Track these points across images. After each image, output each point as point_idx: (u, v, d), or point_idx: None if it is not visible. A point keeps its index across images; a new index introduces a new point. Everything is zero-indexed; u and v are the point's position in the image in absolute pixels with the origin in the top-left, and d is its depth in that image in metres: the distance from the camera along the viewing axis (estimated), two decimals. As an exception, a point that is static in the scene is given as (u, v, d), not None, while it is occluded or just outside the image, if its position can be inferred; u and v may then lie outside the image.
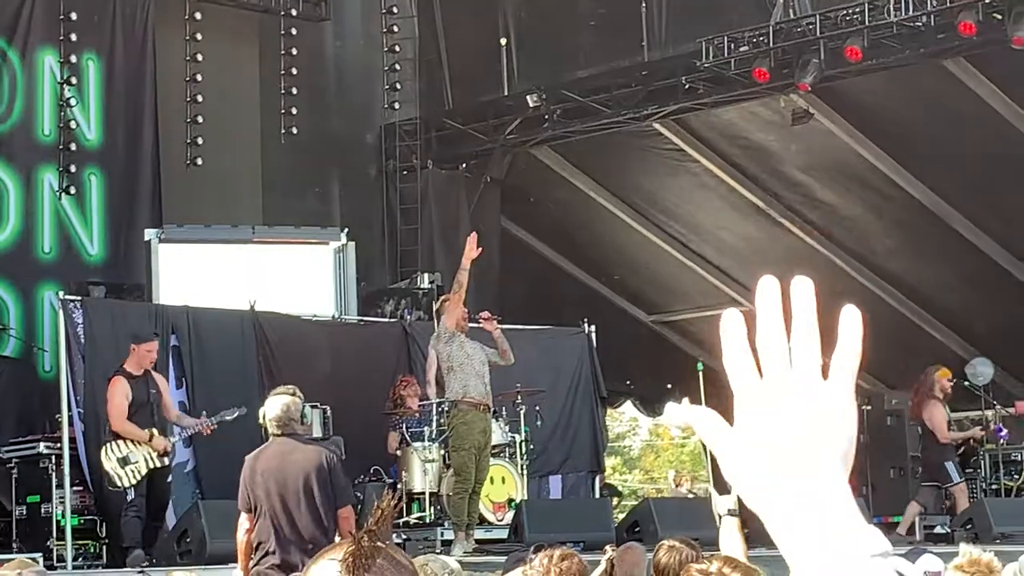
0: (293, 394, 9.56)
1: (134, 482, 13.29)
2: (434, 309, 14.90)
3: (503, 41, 21.09)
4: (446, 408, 14.38)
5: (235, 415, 13.93)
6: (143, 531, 13.49)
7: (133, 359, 13.48)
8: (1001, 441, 19.56)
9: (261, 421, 9.58)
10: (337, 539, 9.55)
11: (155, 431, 13.39)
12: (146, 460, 13.30)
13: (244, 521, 9.38)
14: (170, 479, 13.74)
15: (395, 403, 15.66)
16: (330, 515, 9.29)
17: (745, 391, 1.64)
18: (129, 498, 13.49)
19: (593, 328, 18.35)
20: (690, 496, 24.59)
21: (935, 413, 17.61)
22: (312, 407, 14.77)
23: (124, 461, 13.22)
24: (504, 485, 15.07)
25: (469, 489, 13.98)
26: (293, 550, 9.20)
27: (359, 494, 14.99)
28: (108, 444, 13.35)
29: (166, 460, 13.53)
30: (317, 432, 14.63)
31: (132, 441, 13.28)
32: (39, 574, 7.26)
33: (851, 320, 1.72)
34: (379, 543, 2.42)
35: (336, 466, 9.39)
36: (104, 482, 13.45)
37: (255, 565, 9.36)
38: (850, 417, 1.65)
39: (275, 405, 9.44)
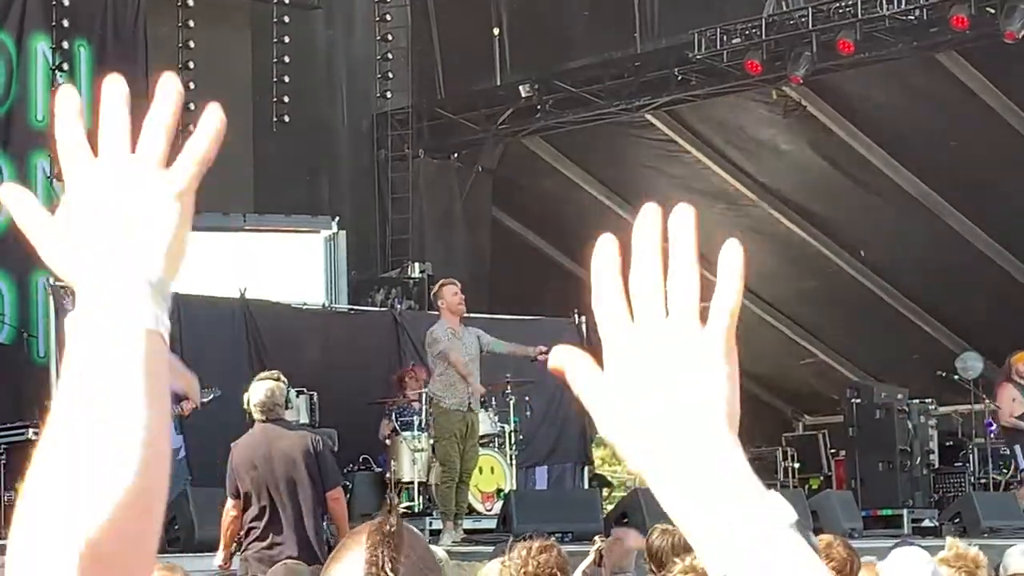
0: (277, 379, 9.55)
1: None
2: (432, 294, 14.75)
3: (495, 31, 21.08)
4: (427, 399, 14.32)
5: (210, 397, 13.91)
6: None
7: None
8: (991, 435, 19.60)
9: (245, 407, 9.56)
10: (325, 522, 9.56)
11: None
12: None
13: (230, 508, 9.39)
14: None
15: (399, 385, 15.61)
16: (319, 498, 9.30)
17: (614, 337, 1.44)
18: None
19: (584, 319, 18.36)
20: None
21: (1001, 394, 17.84)
22: (299, 393, 14.78)
23: None
24: (493, 475, 15.07)
25: (455, 478, 13.95)
26: (283, 534, 9.21)
27: (348, 483, 15.01)
28: None
29: None
30: (304, 418, 14.62)
31: None
32: None
33: (732, 256, 1.46)
34: (400, 537, 2.41)
35: (323, 450, 9.39)
36: None
37: (245, 550, 9.36)
38: (728, 368, 1.46)
39: (259, 391, 9.43)
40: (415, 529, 2.50)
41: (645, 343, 1.42)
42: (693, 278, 1.44)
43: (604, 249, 1.56)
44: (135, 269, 1.46)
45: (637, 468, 1.42)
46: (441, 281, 14.28)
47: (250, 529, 9.28)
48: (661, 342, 1.42)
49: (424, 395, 14.68)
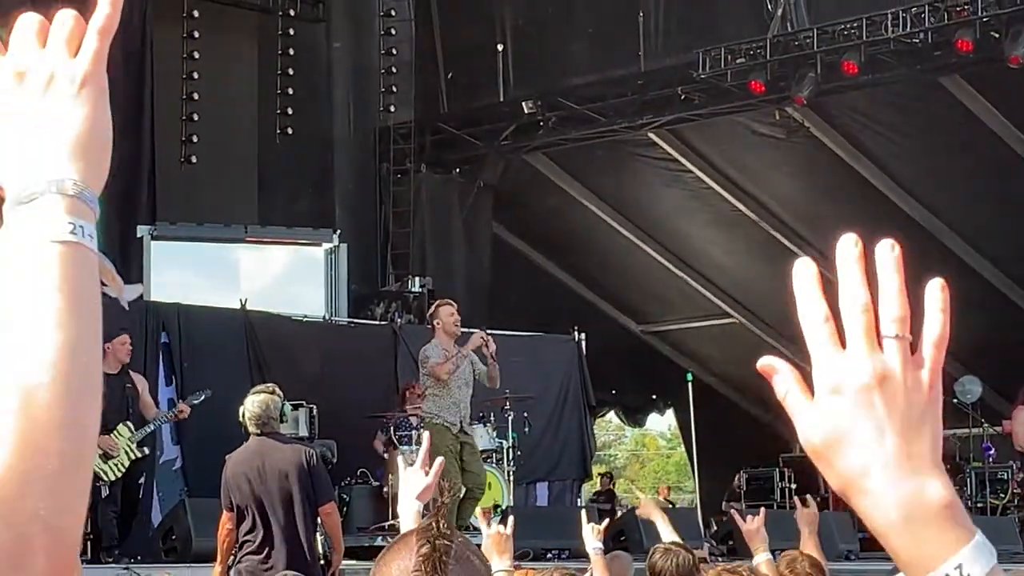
0: (272, 392, 9.54)
1: (119, 475, 13.26)
2: (427, 313, 14.72)
3: (499, 47, 21.10)
4: (419, 418, 14.26)
5: (201, 399, 13.95)
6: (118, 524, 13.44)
7: (109, 356, 13.39)
8: (988, 459, 19.60)
9: (241, 419, 9.56)
10: (320, 535, 9.55)
11: (126, 426, 13.24)
12: (126, 452, 13.28)
13: (226, 520, 9.40)
14: (142, 480, 13.61)
15: (402, 399, 15.60)
16: (312, 512, 9.30)
17: (825, 362, 1.46)
18: (104, 495, 13.42)
19: (583, 336, 18.36)
20: (670, 506, 24.59)
21: (1017, 418, 17.75)
22: (298, 406, 14.77)
23: (106, 456, 13.20)
24: (490, 491, 15.04)
25: (458, 494, 13.86)
26: (276, 548, 9.21)
27: (345, 496, 15.01)
28: None
29: (146, 450, 13.42)
30: (303, 431, 14.62)
31: (112, 434, 13.24)
32: None
33: (937, 293, 1.53)
34: (450, 542, 2.38)
35: (316, 464, 9.39)
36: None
37: (238, 562, 9.36)
38: (940, 402, 1.52)
39: (254, 404, 9.42)
40: (465, 536, 2.49)
41: (856, 372, 1.45)
42: (906, 310, 1.49)
43: (804, 272, 1.58)
44: (41, 178, 1.40)
45: (835, 484, 1.46)
46: (439, 301, 14.26)
47: (244, 542, 9.29)
48: (870, 372, 1.45)
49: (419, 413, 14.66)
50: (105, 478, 13.22)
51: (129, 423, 13.28)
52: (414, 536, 2.41)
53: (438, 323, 13.87)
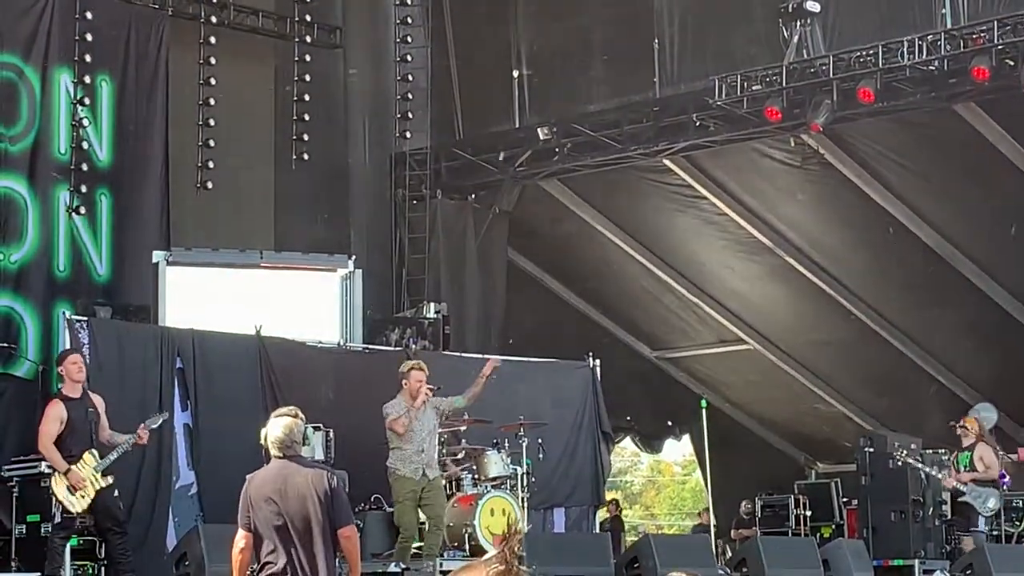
0: (295, 416, 9.54)
1: (85, 506, 13.18)
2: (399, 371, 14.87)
3: (515, 73, 21.14)
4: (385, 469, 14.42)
5: (159, 422, 13.95)
6: (119, 548, 13.37)
7: (66, 380, 13.36)
8: (1003, 487, 19.52)
9: (262, 442, 9.55)
10: (337, 559, 9.54)
11: (91, 455, 13.18)
12: (92, 483, 13.21)
13: (240, 539, 9.39)
14: (116, 493, 13.55)
15: None
16: (332, 536, 9.29)
17: None
18: (56, 521, 13.38)
19: (597, 362, 18.35)
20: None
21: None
22: (316, 429, 14.77)
23: (72, 489, 13.14)
24: (504, 517, 15.03)
25: (410, 539, 14.22)
26: (298, 570, 9.20)
27: (359, 522, 14.98)
28: (56, 473, 13.22)
29: (110, 479, 13.32)
30: (319, 455, 14.62)
31: (78, 465, 13.16)
32: None
33: None
34: (524, 567, 2.43)
35: (337, 488, 9.38)
36: (62, 508, 13.28)
37: (257, 583, 9.35)
38: None
39: (277, 427, 9.42)
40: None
41: None
42: None
43: None
44: None
45: None
46: (411, 363, 14.52)
47: (265, 564, 9.27)
48: None
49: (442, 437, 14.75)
50: (72, 509, 13.17)
51: (94, 451, 13.20)
52: (482, 561, 2.47)
53: (406, 383, 14.17)
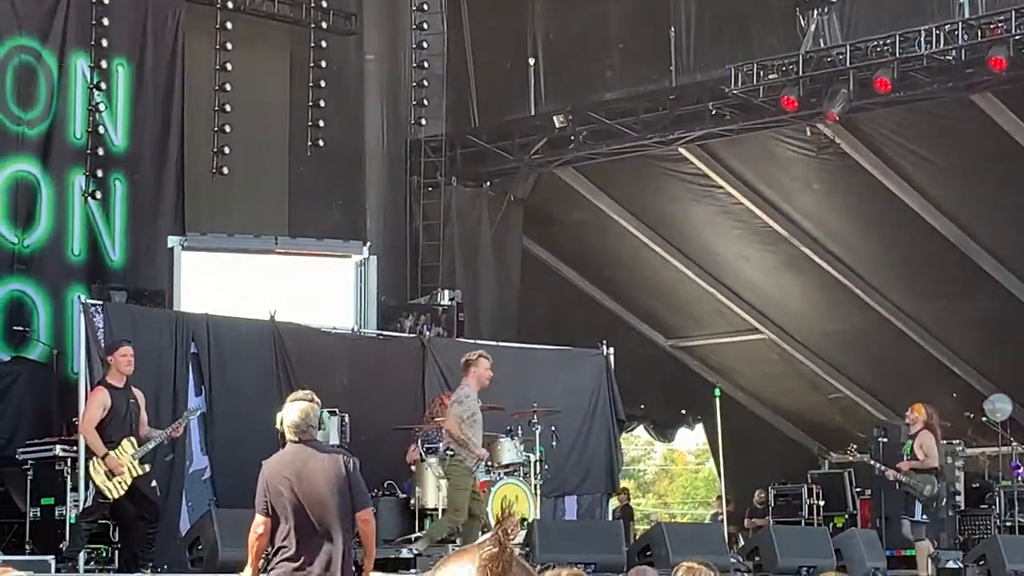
0: (311, 400, 9.55)
1: (123, 492, 13.21)
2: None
3: (531, 61, 21.13)
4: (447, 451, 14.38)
5: (198, 413, 14.09)
6: (145, 536, 13.42)
7: (112, 369, 13.40)
8: (1018, 478, 19.51)
9: (278, 427, 9.57)
10: (355, 543, 9.54)
11: (129, 442, 13.22)
12: (130, 470, 13.24)
13: (259, 524, 9.40)
14: (154, 483, 13.60)
15: (432, 416, 15.65)
16: (349, 519, 9.30)
17: None
18: (88, 505, 13.41)
19: (611, 350, 18.34)
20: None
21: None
22: (331, 414, 14.78)
23: (110, 474, 13.17)
24: (517, 503, 15.05)
25: (457, 524, 14.19)
26: (312, 554, 9.22)
27: (373, 508, 15.00)
28: (94, 458, 13.26)
29: (147, 467, 13.37)
30: (334, 439, 14.62)
31: (116, 451, 13.19)
32: None
33: None
34: (515, 548, 2.46)
35: (354, 471, 9.39)
36: (97, 494, 13.31)
37: (272, 569, 9.37)
38: None
39: (293, 411, 9.43)
40: (525, 563, 2.54)
41: None
42: None
43: None
44: None
45: None
46: (478, 352, 14.44)
47: (280, 548, 9.29)
48: None
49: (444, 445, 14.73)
50: (109, 496, 13.21)
51: (132, 439, 13.25)
52: (475, 545, 2.48)
53: (474, 371, 14.03)
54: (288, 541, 9.24)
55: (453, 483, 14.24)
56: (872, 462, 17.32)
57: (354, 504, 9.30)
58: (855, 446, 17.20)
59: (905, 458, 16.69)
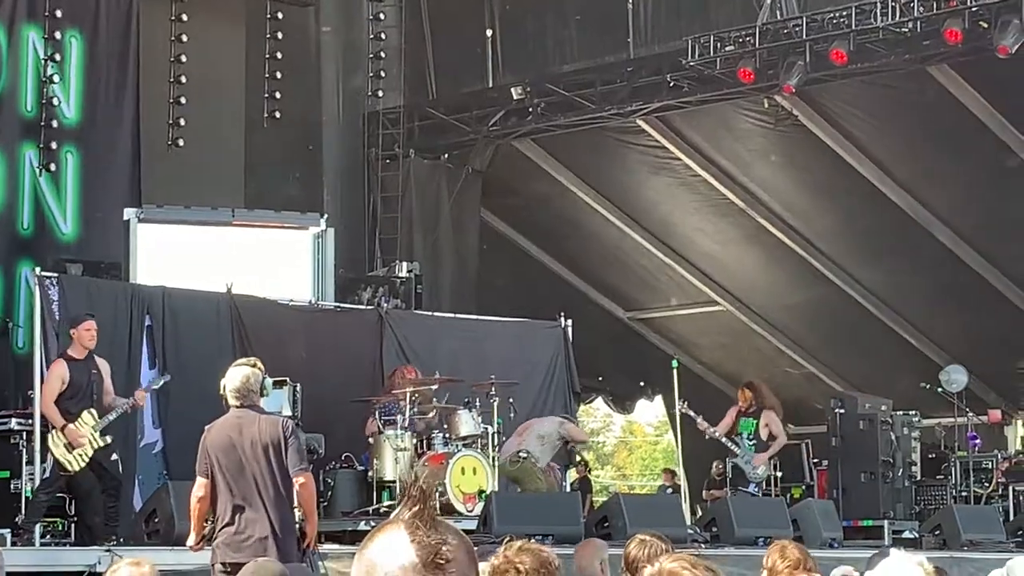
0: (254, 366, 9.55)
1: (83, 464, 13.17)
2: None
3: (488, 32, 21.07)
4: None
5: (161, 383, 14.06)
6: (106, 510, 13.38)
7: (75, 343, 13.36)
8: (973, 448, 19.63)
9: (221, 392, 9.56)
10: (298, 509, 9.51)
11: (90, 414, 13.17)
12: (91, 442, 13.20)
13: (199, 488, 9.41)
14: (115, 457, 13.54)
15: (390, 385, 15.65)
16: (288, 484, 9.29)
17: None
18: (45, 476, 13.36)
19: (569, 322, 18.34)
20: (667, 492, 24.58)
21: None
22: (281, 383, 14.72)
23: (70, 446, 13.13)
24: (475, 476, 15.05)
25: None
26: (252, 519, 9.21)
27: (329, 480, 14.98)
28: (53, 431, 13.22)
29: (108, 438, 13.33)
30: (287, 411, 14.54)
31: (76, 423, 13.14)
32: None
33: None
34: (433, 502, 2.47)
35: (291, 435, 9.38)
36: (56, 467, 13.27)
37: (215, 537, 9.35)
38: None
39: (235, 376, 9.42)
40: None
41: None
42: None
43: None
44: None
45: None
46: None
47: (221, 514, 9.29)
48: None
49: (413, 396, 14.75)
50: (69, 468, 13.16)
51: (93, 411, 13.21)
52: (395, 513, 2.49)
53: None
54: (228, 506, 9.25)
55: (525, 483, 15.60)
56: (739, 458, 17.45)
57: (290, 467, 9.29)
58: (686, 401, 17.33)
59: (744, 435, 17.02)
